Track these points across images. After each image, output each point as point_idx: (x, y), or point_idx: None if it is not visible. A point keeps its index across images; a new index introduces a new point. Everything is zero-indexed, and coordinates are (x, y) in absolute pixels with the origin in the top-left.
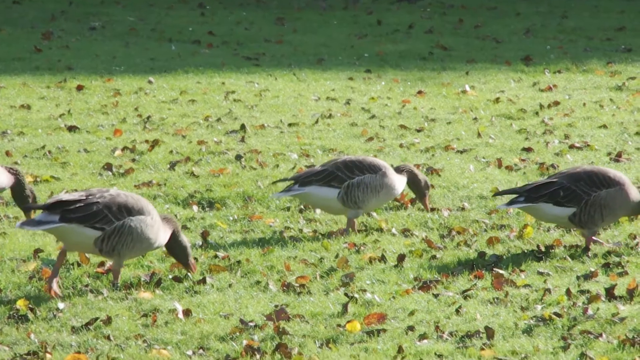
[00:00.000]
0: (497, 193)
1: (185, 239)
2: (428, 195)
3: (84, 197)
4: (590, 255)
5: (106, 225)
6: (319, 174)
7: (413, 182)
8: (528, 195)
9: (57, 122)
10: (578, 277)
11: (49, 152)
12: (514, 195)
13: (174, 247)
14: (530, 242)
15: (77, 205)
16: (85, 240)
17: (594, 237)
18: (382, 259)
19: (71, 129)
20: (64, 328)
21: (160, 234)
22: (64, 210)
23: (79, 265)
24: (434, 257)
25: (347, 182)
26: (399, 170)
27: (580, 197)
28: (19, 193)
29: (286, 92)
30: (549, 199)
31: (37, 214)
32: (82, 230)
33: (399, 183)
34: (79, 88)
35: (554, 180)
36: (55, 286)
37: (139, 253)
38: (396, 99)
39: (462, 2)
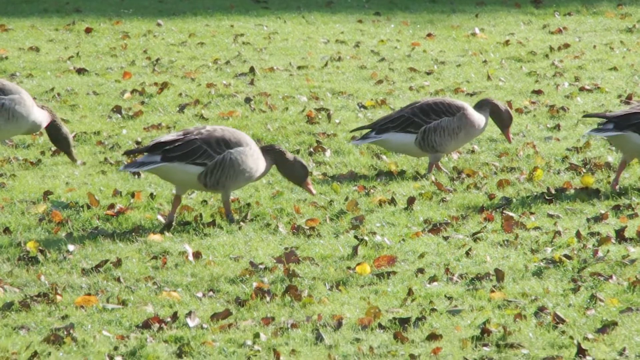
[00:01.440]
0: (586, 115)
1: (296, 161)
2: (510, 127)
3: (182, 136)
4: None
5: (207, 160)
6: (395, 121)
7: (495, 114)
8: (618, 122)
9: (66, 65)
10: (588, 220)
11: (58, 94)
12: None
13: (285, 171)
14: (540, 184)
15: (177, 144)
16: (189, 177)
17: None
18: (392, 201)
19: (80, 71)
20: (74, 270)
21: (260, 163)
22: (164, 150)
23: (88, 207)
24: (443, 199)
25: (424, 127)
26: (479, 107)
27: None
28: (56, 133)
29: (295, 35)
30: (637, 129)
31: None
32: (184, 167)
33: (480, 121)
34: (88, 31)
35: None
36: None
37: (242, 183)
38: (405, 42)
39: None
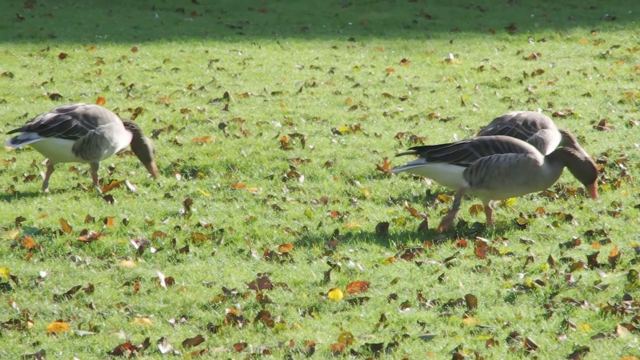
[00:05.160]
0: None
1: (587, 161)
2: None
3: (448, 142)
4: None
5: (472, 162)
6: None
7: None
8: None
9: (40, 90)
10: (560, 245)
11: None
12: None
13: (576, 170)
14: (512, 210)
15: (444, 147)
16: (452, 177)
17: None
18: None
19: (54, 97)
20: (46, 296)
21: (544, 171)
22: (430, 152)
23: (61, 233)
24: (417, 225)
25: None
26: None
27: None
28: (137, 146)
29: (270, 61)
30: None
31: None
32: (447, 168)
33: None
34: (62, 56)
35: None
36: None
37: (516, 190)
38: (380, 68)
39: None
